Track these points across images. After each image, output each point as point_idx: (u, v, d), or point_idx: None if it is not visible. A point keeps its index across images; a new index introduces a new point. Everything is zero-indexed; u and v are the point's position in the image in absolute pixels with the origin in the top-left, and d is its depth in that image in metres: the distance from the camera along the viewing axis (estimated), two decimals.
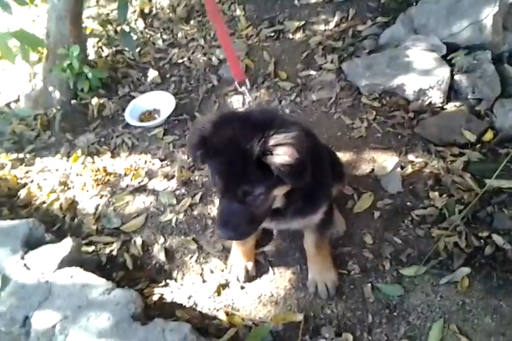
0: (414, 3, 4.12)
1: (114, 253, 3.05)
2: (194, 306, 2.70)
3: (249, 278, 2.77)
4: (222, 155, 1.76)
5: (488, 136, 3.19)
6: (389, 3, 4.41)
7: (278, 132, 1.73)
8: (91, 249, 3.07)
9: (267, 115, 1.87)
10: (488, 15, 3.56)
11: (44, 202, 3.49)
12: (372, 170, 3.22)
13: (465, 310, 2.43)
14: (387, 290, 2.57)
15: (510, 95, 3.38)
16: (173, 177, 3.50)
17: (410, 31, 3.99)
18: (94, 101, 4.21)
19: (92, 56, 4.62)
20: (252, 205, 1.84)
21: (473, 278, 2.54)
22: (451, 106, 3.50)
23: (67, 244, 2.74)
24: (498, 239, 2.64)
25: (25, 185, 3.67)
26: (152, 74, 4.48)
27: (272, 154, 1.69)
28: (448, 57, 3.66)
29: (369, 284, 2.62)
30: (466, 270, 2.52)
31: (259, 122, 1.80)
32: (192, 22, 5.00)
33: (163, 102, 4.11)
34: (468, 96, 3.45)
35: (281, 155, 1.69)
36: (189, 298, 2.74)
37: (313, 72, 4.09)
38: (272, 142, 1.70)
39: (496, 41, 3.58)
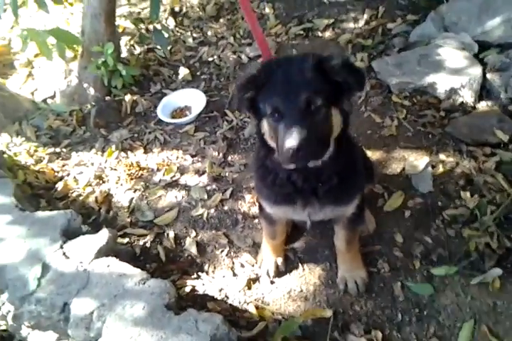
0: (445, 1, 4.14)
1: (148, 245, 3.13)
2: (225, 299, 2.75)
3: (279, 273, 2.81)
4: (277, 75, 1.84)
5: None
6: (419, 1, 4.43)
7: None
8: (125, 240, 3.16)
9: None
10: None
11: (80, 195, 3.59)
12: (403, 169, 3.23)
13: (496, 312, 2.44)
14: (417, 289, 2.58)
15: None
16: (204, 172, 3.57)
17: (441, 29, 3.99)
18: (128, 97, 4.31)
19: (124, 54, 4.70)
20: (315, 118, 1.81)
21: (505, 279, 2.54)
22: (483, 106, 3.49)
23: (104, 235, 2.81)
24: None
25: (62, 178, 3.78)
26: (183, 71, 4.55)
27: (328, 60, 1.83)
28: (480, 56, 3.66)
29: (399, 283, 2.64)
30: (498, 271, 2.52)
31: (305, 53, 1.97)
32: (221, 20, 5.08)
33: (194, 99, 4.19)
34: (501, 96, 3.44)
35: (338, 59, 1.83)
36: (220, 290, 2.80)
37: None
38: (327, 54, 1.87)
39: None
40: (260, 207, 2.59)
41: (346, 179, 2.15)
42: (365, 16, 4.52)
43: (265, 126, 1.95)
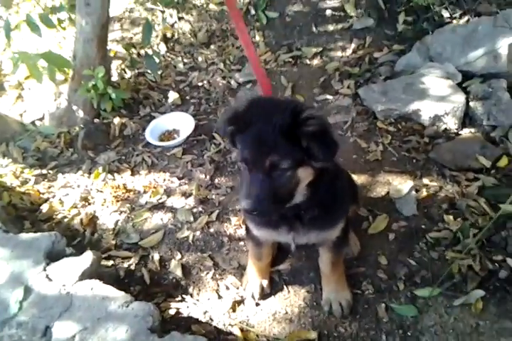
0: (431, 32, 4.25)
1: (132, 267, 3.11)
2: (210, 321, 2.73)
3: (264, 295, 2.81)
4: (253, 127, 1.85)
5: (503, 162, 3.24)
6: (405, 32, 4.54)
7: (309, 109, 1.90)
8: (110, 263, 3.14)
9: (294, 100, 2.00)
10: (503, 45, 3.67)
11: (65, 217, 3.57)
12: (388, 192, 3.27)
13: (479, 333, 2.45)
14: (401, 310, 2.59)
15: None
16: (190, 195, 3.58)
17: (426, 59, 4.11)
18: (117, 120, 4.35)
19: (115, 77, 4.76)
20: (278, 180, 1.87)
21: (487, 301, 2.56)
22: (466, 133, 3.57)
23: (88, 257, 2.80)
24: None
25: (47, 199, 3.76)
26: (172, 95, 4.62)
27: (304, 125, 1.80)
28: (463, 85, 3.75)
29: (383, 304, 2.65)
30: (480, 292, 2.55)
31: (290, 103, 1.98)
32: (212, 46, 5.18)
33: (182, 123, 4.23)
34: (483, 123, 3.53)
35: (314, 126, 1.80)
36: (205, 313, 2.78)
37: (329, 97, 4.21)
38: (304, 114, 1.83)
39: (510, 70, 3.67)
40: (247, 229, 2.61)
41: (329, 207, 2.21)
42: (353, 45, 4.65)
43: (238, 161, 2.02)
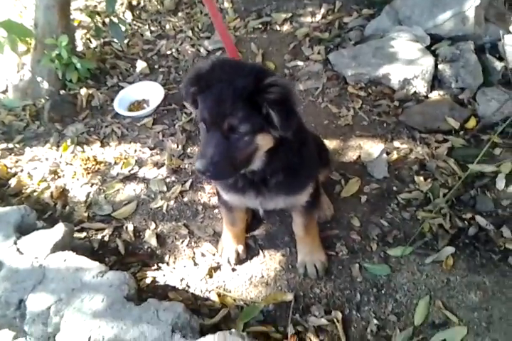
0: None
1: (106, 239, 3.09)
2: (186, 288, 2.74)
3: (240, 260, 2.83)
4: (214, 88, 1.81)
5: (471, 123, 3.29)
6: None
7: (272, 75, 1.87)
8: (83, 235, 3.11)
9: (260, 65, 1.96)
10: (470, 7, 3.68)
11: (35, 191, 3.51)
12: (359, 156, 3.30)
13: (450, 287, 2.52)
14: (374, 269, 2.65)
15: (491, 84, 3.49)
16: (163, 165, 3.54)
17: (395, 23, 4.09)
18: (83, 91, 4.24)
19: (80, 47, 4.63)
20: (235, 144, 1.85)
21: (458, 257, 2.64)
22: (435, 95, 3.59)
23: (59, 229, 2.76)
24: (481, 220, 2.75)
25: (15, 174, 3.67)
26: (140, 65, 4.52)
27: (265, 92, 1.78)
28: (432, 48, 3.76)
29: (357, 264, 2.70)
30: (451, 249, 2.62)
31: (254, 67, 1.95)
32: (180, 14, 5.06)
33: (151, 92, 4.15)
34: (452, 85, 3.55)
35: (275, 93, 1.78)
36: (181, 280, 2.78)
37: (300, 63, 4.17)
38: (267, 81, 1.80)
39: (478, 32, 3.71)
40: (218, 194, 2.60)
41: (294, 173, 2.21)
42: (322, 11, 4.60)
43: (198, 121, 1.99)
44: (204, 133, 1.91)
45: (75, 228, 3.11)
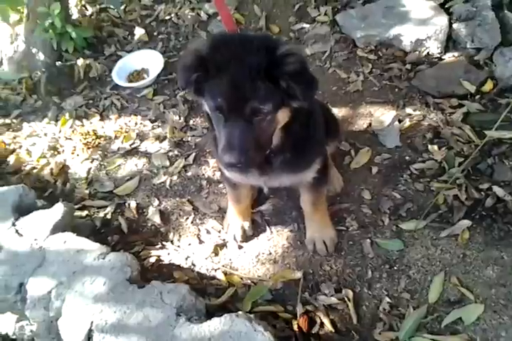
0: None
1: (109, 216, 3.00)
2: (192, 267, 2.66)
3: (247, 237, 2.72)
4: (225, 72, 1.64)
5: (488, 86, 3.09)
6: None
7: (284, 44, 1.72)
8: (84, 213, 3.02)
9: (265, 35, 1.80)
10: None
11: (34, 168, 3.41)
12: (370, 124, 3.14)
13: (466, 263, 2.40)
14: (386, 245, 2.53)
15: (510, 43, 3.24)
16: (165, 138, 3.42)
17: None
18: (80, 62, 4.08)
19: (75, 15, 4.41)
20: (259, 127, 1.72)
21: (474, 230, 2.50)
22: (449, 57, 3.37)
23: (58, 209, 2.67)
24: (498, 190, 2.59)
25: (13, 150, 3.57)
26: (139, 32, 4.32)
27: (281, 64, 1.63)
28: (446, 5, 3.51)
29: (368, 240, 2.58)
30: (467, 222, 2.49)
31: (262, 38, 1.78)
32: None
33: (151, 61, 3.97)
34: (467, 46, 3.32)
35: (293, 63, 1.64)
36: (186, 259, 2.70)
37: (306, 25, 3.94)
38: (280, 51, 1.65)
39: None
40: (221, 170, 2.48)
41: (301, 150, 2.08)
42: None
43: (209, 110, 1.81)
44: (221, 123, 1.74)
45: (76, 206, 3.03)
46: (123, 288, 2.31)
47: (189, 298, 2.27)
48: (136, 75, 3.99)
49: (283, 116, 1.79)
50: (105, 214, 3.01)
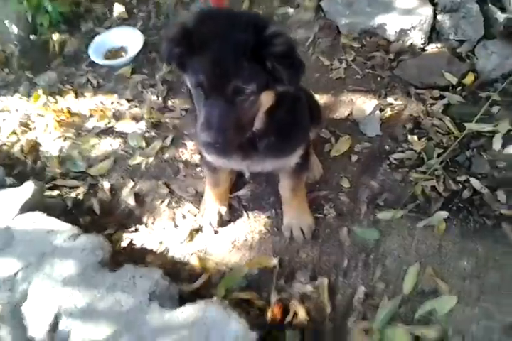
0: None
1: (81, 197, 2.91)
2: (165, 252, 2.60)
3: (223, 222, 2.67)
4: (210, 48, 1.58)
5: (469, 78, 3.09)
6: None
7: (273, 24, 1.66)
8: (55, 193, 2.92)
9: (255, 13, 1.74)
10: None
11: (4, 144, 3.28)
12: (351, 113, 3.11)
13: (441, 254, 2.41)
14: (363, 233, 2.52)
15: (493, 37, 3.25)
16: (142, 118, 3.32)
17: None
18: (56, 36, 3.94)
19: None
20: (240, 107, 1.66)
21: (450, 222, 2.51)
22: (432, 48, 3.37)
23: (28, 188, 2.58)
24: (475, 183, 2.60)
25: None
26: (118, 8, 4.17)
27: (269, 44, 1.57)
28: None
29: (345, 228, 2.56)
30: (444, 214, 2.49)
31: (250, 16, 1.72)
32: None
33: (130, 39, 3.85)
34: (450, 37, 3.32)
35: (281, 45, 1.58)
36: (160, 243, 2.64)
37: (290, 10, 3.88)
38: (269, 31, 1.59)
39: None
40: (201, 154, 2.41)
41: (286, 134, 2.02)
42: None
43: (190, 86, 1.73)
44: (202, 100, 1.67)
45: (47, 185, 2.93)
46: (94, 271, 2.25)
47: (162, 283, 2.22)
48: (114, 53, 3.87)
49: (267, 98, 1.73)
50: (77, 195, 2.91)
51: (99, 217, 2.80)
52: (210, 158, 2.23)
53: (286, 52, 1.58)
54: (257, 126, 1.88)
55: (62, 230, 2.41)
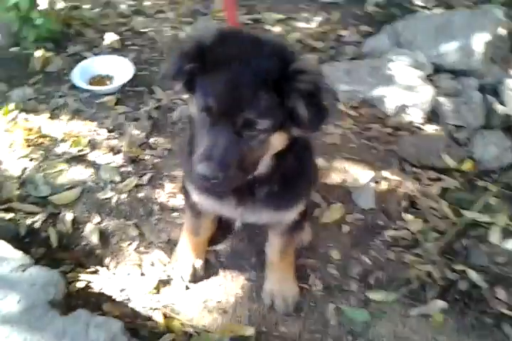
0: (400, 17, 4.12)
1: (37, 226, 2.56)
2: (126, 302, 2.27)
3: (196, 278, 2.38)
4: (226, 70, 1.40)
5: (467, 165, 3.04)
6: (375, 15, 4.39)
7: (303, 58, 1.49)
8: (9, 216, 2.56)
9: (283, 41, 1.56)
10: (478, 42, 3.53)
11: None
12: (344, 181, 2.96)
13: None
14: (352, 313, 2.28)
15: (491, 127, 3.26)
16: (119, 151, 3.06)
17: (395, 45, 3.85)
18: (39, 53, 3.70)
19: (44, 5, 4.00)
20: (248, 143, 1.45)
21: (447, 313, 2.31)
22: (430, 129, 3.33)
23: None
24: (473, 275, 2.43)
25: None
26: (111, 37, 4.01)
27: (295, 79, 1.39)
28: (431, 78, 3.53)
29: (331, 304, 2.32)
30: (441, 303, 2.29)
31: (277, 45, 1.52)
32: None
33: (119, 69, 3.65)
34: (449, 122, 3.30)
35: (308, 82, 1.39)
36: (121, 291, 2.31)
37: None
38: (297, 65, 1.42)
39: (483, 70, 3.51)
40: (186, 193, 2.14)
41: (291, 184, 1.83)
42: (319, 19, 4.34)
43: (195, 110, 1.55)
44: (206, 127, 1.47)
45: (1, 207, 2.56)
46: (41, 311, 1.93)
47: (121, 338, 1.90)
48: (99, 80, 3.64)
49: (279, 140, 1.54)
50: (33, 222, 2.57)
51: (55, 251, 2.47)
52: (198, 198, 1.98)
53: (312, 91, 1.41)
54: (261, 169, 1.67)
55: (10, 257, 2.08)
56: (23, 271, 2.06)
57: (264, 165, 1.66)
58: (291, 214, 2.00)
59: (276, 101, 1.41)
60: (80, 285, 2.28)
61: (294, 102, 1.41)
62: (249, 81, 1.39)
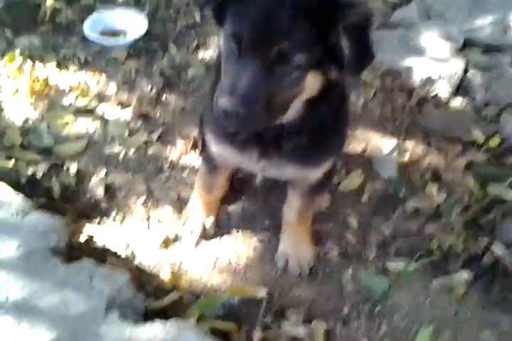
0: None
1: (39, 176, 2.41)
2: (131, 257, 2.15)
3: (206, 236, 2.26)
4: None
5: (494, 141, 2.88)
6: None
7: None
8: (11, 164, 2.41)
9: None
10: None
11: None
12: (365, 150, 2.81)
13: (458, 320, 2.06)
14: (370, 281, 2.15)
15: None
16: (128, 106, 2.89)
17: (424, 17, 3.65)
18: (49, 2, 3.48)
19: None
20: (280, 80, 1.29)
21: (470, 287, 2.17)
22: (457, 103, 3.16)
23: None
24: (499, 250, 2.29)
25: None
26: None
27: (342, 11, 1.23)
28: (463, 52, 3.36)
29: (349, 270, 2.19)
30: (465, 275, 2.16)
31: None
32: None
33: (132, 24, 3.45)
34: (478, 96, 3.14)
35: (356, 16, 1.24)
36: (127, 246, 2.18)
37: None
38: None
39: None
40: (203, 144, 2.00)
41: (322, 137, 1.67)
42: None
43: (223, 40, 1.39)
44: (233, 57, 1.32)
45: (1, 153, 2.43)
46: (41, 259, 1.81)
47: (126, 291, 1.79)
48: (111, 35, 3.45)
49: (313, 82, 1.36)
50: (35, 172, 2.41)
51: (57, 203, 2.31)
52: (217, 149, 1.83)
53: (360, 26, 1.26)
54: (290, 116, 1.51)
55: (10, 201, 1.95)
56: (23, 216, 1.93)
57: (293, 111, 1.49)
58: (318, 172, 1.86)
59: (316, 35, 1.25)
60: (83, 238, 2.15)
61: (337, 37, 1.24)
62: (288, 8, 1.23)
